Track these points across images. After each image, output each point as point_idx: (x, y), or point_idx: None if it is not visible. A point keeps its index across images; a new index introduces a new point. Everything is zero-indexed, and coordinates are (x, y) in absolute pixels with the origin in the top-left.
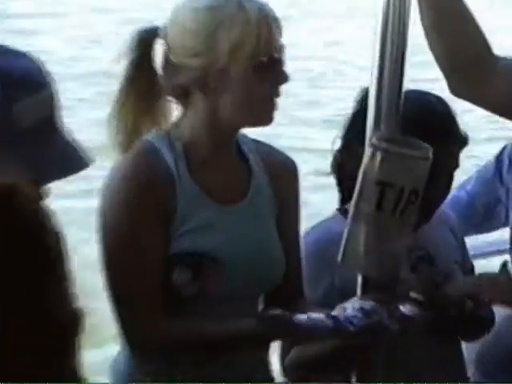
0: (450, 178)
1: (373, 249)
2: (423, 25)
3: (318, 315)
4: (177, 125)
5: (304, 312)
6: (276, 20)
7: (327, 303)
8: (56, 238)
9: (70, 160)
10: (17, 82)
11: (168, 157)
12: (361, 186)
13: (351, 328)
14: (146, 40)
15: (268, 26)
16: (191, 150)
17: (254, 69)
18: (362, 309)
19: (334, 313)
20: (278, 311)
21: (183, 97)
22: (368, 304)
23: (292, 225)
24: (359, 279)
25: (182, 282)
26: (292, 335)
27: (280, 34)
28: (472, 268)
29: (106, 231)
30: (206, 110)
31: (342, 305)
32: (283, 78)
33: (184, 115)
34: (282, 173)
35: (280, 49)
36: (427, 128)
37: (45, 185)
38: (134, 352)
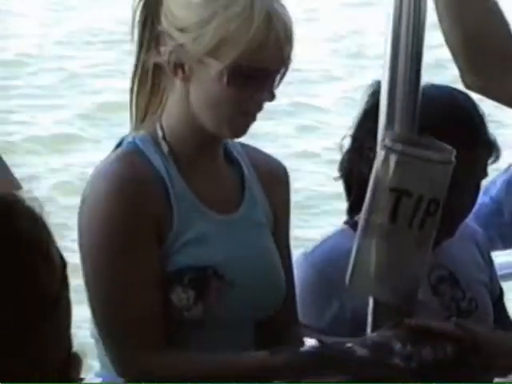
0: (477, 187)
1: (386, 268)
2: (437, 11)
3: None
4: (160, 121)
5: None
6: (286, 32)
7: (334, 332)
8: (60, 267)
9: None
10: None
11: (156, 160)
12: (372, 195)
13: (413, 364)
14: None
15: (271, 34)
16: (178, 151)
17: (234, 72)
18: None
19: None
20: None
21: (160, 77)
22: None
23: (285, 239)
24: (370, 304)
25: (183, 303)
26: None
27: (287, 47)
28: (501, 292)
29: (90, 253)
30: (182, 102)
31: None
32: (267, 94)
33: (167, 109)
34: (275, 181)
35: (279, 63)
36: (451, 128)
37: None
38: None
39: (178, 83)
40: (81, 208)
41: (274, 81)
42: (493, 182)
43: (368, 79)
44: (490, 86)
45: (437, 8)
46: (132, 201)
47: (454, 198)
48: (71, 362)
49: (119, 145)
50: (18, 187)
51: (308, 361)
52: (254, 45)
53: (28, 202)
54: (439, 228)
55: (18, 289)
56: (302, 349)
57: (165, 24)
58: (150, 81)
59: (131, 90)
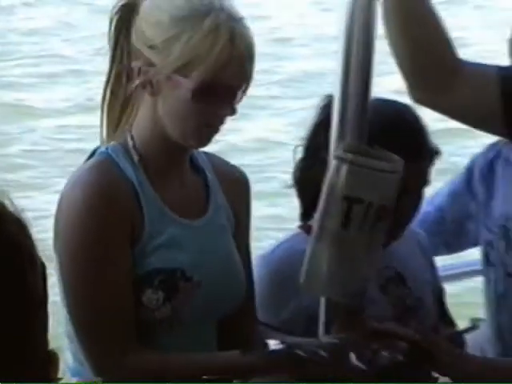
0: (421, 194)
1: (337, 270)
2: (385, 25)
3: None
4: (131, 131)
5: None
6: (249, 51)
7: (292, 328)
8: (41, 268)
9: None
10: None
11: (127, 168)
12: (326, 202)
13: (364, 367)
14: (124, 14)
15: (234, 53)
16: (147, 160)
17: (199, 89)
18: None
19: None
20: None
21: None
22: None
23: (245, 242)
24: (322, 303)
25: (153, 304)
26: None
27: (249, 65)
28: (441, 291)
29: (66, 257)
30: (151, 114)
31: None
32: (229, 109)
33: (136, 121)
34: (236, 188)
35: (241, 80)
36: (395, 140)
37: None
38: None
39: (147, 96)
40: (56, 215)
41: (235, 96)
42: (437, 193)
43: None
44: (437, 100)
45: (385, 25)
46: (104, 209)
47: (400, 204)
48: (50, 361)
49: (92, 155)
50: None
51: (275, 360)
52: (218, 63)
53: (12, 208)
54: (387, 231)
55: (10, 291)
56: (269, 349)
57: (135, 40)
58: (122, 93)
59: (103, 100)
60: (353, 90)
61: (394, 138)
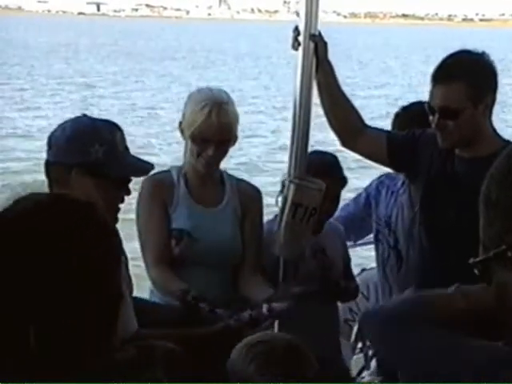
0: (335, 206)
1: (288, 242)
2: (322, 104)
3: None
4: (185, 159)
5: (252, 288)
6: (223, 120)
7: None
8: (119, 242)
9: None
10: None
11: (174, 176)
12: (284, 205)
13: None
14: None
15: (210, 123)
16: (188, 174)
17: (192, 139)
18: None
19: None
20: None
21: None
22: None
23: (254, 227)
24: (281, 260)
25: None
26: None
27: (224, 129)
28: (348, 260)
29: (138, 214)
30: (187, 152)
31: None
32: (213, 153)
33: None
34: (249, 196)
35: (218, 136)
36: (324, 170)
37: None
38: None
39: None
40: (138, 193)
41: (218, 145)
42: (346, 205)
43: None
44: (352, 147)
45: (322, 104)
46: (151, 193)
47: (323, 208)
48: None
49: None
50: None
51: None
52: (202, 127)
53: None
54: (317, 224)
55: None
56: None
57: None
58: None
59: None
60: (299, 142)
61: (322, 169)
